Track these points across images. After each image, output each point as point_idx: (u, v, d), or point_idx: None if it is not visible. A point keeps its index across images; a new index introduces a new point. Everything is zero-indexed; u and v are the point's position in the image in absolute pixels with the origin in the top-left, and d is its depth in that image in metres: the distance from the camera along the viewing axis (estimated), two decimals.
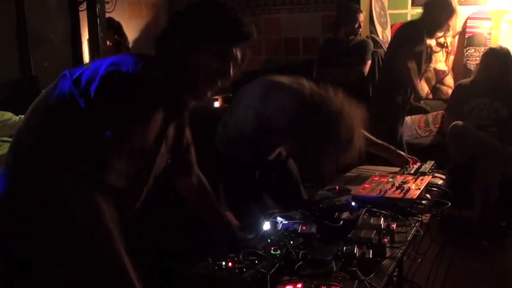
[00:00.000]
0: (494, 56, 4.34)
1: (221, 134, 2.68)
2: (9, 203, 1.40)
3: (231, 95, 5.32)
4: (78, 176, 1.32)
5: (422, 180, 2.43)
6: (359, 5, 5.27)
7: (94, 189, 1.32)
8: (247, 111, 2.46)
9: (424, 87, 5.81)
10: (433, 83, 5.80)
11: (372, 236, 1.76)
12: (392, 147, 2.90)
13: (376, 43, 5.45)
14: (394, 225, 1.90)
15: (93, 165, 1.34)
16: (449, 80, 5.71)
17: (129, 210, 1.53)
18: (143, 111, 1.43)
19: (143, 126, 1.44)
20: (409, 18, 5.91)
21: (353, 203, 2.09)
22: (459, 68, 5.73)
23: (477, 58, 5.37)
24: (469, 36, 5.66)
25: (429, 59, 5.80)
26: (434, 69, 5.77)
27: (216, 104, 5.28)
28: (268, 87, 2.45)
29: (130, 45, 5.68)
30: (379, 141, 2.93)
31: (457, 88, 4.65)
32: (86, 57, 4.52)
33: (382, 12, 5.75)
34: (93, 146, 1.35)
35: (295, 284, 1.45)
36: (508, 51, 4.38)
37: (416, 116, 5.25)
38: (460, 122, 4.22)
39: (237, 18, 1.55)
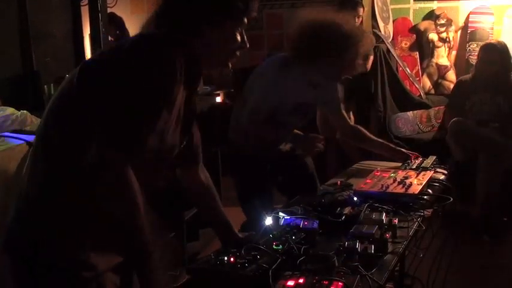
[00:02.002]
0: (491, 50, 4.34)
1: (235, 128, 2.72)
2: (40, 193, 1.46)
3: (232, 90, 5.33)
4: (114, 151, 1.36)
5: (424, 175, 2.43)
6: None
7: (126, 164, 1.38)
8: (265, 88, 2.58)
9: (426, 83, 5.80)
10: (435, 78, 5.79)
11: (374, 231, 1.76)
12: (392, 145, 2.91)
13: (378, 38, 5.43)
14: (396, 221, 1.90)
15: (130, 140, 1.38)
16: (452, 75, 5.70)
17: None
18: (172, 89, 1.44)
19: (171, 104, 1.46)
20: (411, 13, 5.90)
21: (355, 198, 2.09)
22: (461, 63, 5.72)
23: None
24: (471, 31, 5.65)
25: (431, 54, 5.80)
26: (437, 64, 5.76)
27: (218, 99, 5.28)
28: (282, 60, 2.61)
29: None
30: (379, 140, 2.94)
31: (458, 84, 4.65)
32: (88, 53, 4.53)
33: (384, 7, 5.74)
34: (128, 122, 1.37)
35: (297, 279, 1.45)
36: (505, 46, 4.38)
37: (418, 111, 5.25)
38: (460, 119, 4.22)
39: None
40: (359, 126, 2.93)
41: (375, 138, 2.93)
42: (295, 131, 2.74)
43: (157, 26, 1.54)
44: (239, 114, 2.73)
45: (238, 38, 1.59)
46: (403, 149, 2.86)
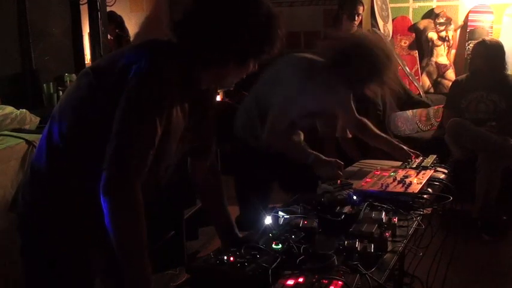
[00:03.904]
0: (484, 48, 4.34)
1: (246, 124, 2.73)
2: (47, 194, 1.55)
3: (231, 88, 5.32)
4: (122, 168, 1.39)
5: (424, 174, 2.43)
6: None
7: (135, 180, 1.39)
8: (286, 100, 2.59)
9: (425, 81, 5.80)
10: (435, 76, 5.79)
11: (374, 230, 1.76)
12: (395, 141, 2.90)
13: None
14: (396, 220, 1.89)
15: (135, 157, 1.40)
16: (451, 74, 5.70)
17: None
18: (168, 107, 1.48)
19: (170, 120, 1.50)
20: (410, 12, 5.91)
21: (354, 197, 2.09)
22: (461, 61, 5.72)
23: None
24: (470, 30, 5.65)
25: (430, 53, 5.80)
26: (436, 63, 5.76)
27: (217, 98, 5.27)
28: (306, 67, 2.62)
29: (131, 39, 5.66)
30: (382, 134, 2.94)
31: (454, 84, 4.66)
32: (87, 51, 4.52)
33: (384, 6, 5.74)
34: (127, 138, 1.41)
35: (296, 278, 1.45)
36: (497, 43, 4.38)
37: (418, 110, 5.25)
38: (457, 119, 4.22)
39: (277, 35, 1.58)
40: (364, 119, 2.93)
41: (379, 132, 2.93)
42: (318, 154, 2.74)
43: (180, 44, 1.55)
44: (248, 111, 2.76)
45: (252, 66, 1.63)
46: (404, 147, 2.86)
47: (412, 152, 2.81)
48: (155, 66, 1.46)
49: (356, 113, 2.92)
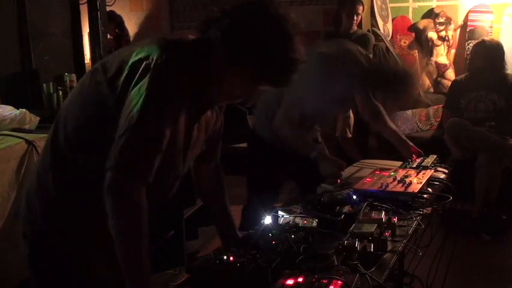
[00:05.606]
0: (483, 48, 4.34)
1: (264, 121, 2.75)
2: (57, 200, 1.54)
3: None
4: (126, 173, 1.38)
5: (424, 174, 2.42)
6: None
7: (139, 182, 1.38)
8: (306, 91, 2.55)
9: (425, 81, 5.80)
10: (434, 76, 5.79)
11: (373, 230, 1.76)
12: (404, 137, 2.91)
13: (378, 37, 5.43)
14: (396, 219, 1.89)
15: (138, 162, 1.39)
16: (451, 74, 5.70)
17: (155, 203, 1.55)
18: (173, 110, 1.45)
19: (174, 124, 1.47)
20: (410, 12, 5.91)
21: (354, 197, 2.09)
22: (460, 61, 5.72)
23: None
24: (470, 30, 5.65)
25: (430, 53, 5.80)
26: (436, 62, 5.76)
27: None
28: (324, 63, 2.59)
29: (131, 39, 5.67)
30: (394, 126, 2.95)
31: (453, 85, 4.67)
32: (87, 51, 4.52)
33: (384, 6, 5.74)
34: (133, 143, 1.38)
35: (296, 277, 1.45)
36: (496, 43, 4.39)
37: (417, 109, 5.25)
38: (456, 119, 4.23)
39: (294, 60, 1.53)
40: (381, 107, 2.94)
41: (391, 124, 2.94)
42: (322, 150, 2.73)
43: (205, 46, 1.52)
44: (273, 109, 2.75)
45: (259, 90, 1.61)
46: (411, 143, 2.85)
47: (416, 150, 2.80)
48: (162, 67, 1.43)
49: (373, 99, 2.92)
